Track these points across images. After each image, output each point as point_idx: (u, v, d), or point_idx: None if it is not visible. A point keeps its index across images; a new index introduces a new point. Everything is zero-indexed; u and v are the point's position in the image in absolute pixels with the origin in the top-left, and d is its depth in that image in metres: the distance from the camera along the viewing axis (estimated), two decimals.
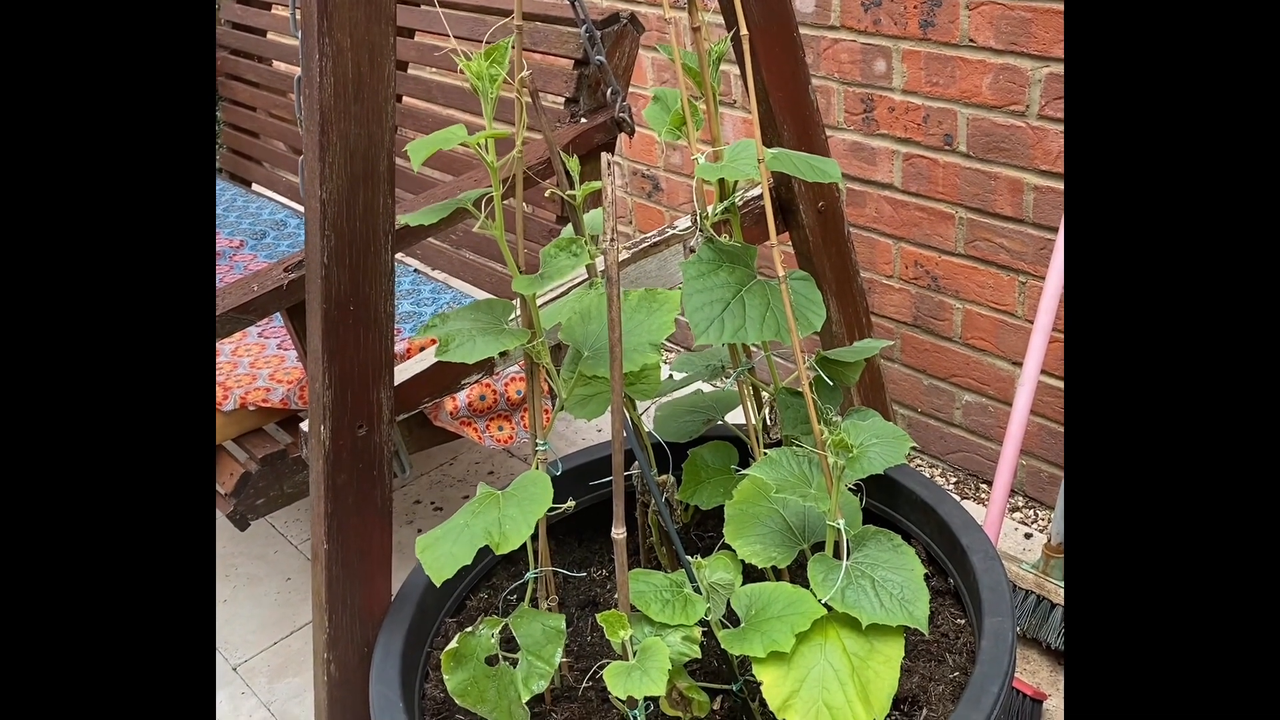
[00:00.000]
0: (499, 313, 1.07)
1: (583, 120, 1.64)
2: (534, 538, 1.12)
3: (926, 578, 1.22)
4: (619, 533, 0.95)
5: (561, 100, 1.68)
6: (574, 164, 1.16)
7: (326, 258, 1.11)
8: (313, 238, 1.11)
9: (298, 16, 1.45)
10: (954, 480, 2.15)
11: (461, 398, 1.57)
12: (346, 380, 1.16)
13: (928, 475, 2.17)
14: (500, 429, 1.66)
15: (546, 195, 1.23)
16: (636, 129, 1.73)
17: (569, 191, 1.16)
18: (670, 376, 1.42)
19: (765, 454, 1.10)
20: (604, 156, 0.86)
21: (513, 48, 0.99)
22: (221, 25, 2.67)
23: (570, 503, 1.14)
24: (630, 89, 1.97)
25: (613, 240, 0.88)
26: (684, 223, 1.49)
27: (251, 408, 1.51)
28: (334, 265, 1.11)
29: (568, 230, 1.25)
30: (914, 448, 2.21)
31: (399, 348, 1.63)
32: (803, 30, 1.96)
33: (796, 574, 1.16)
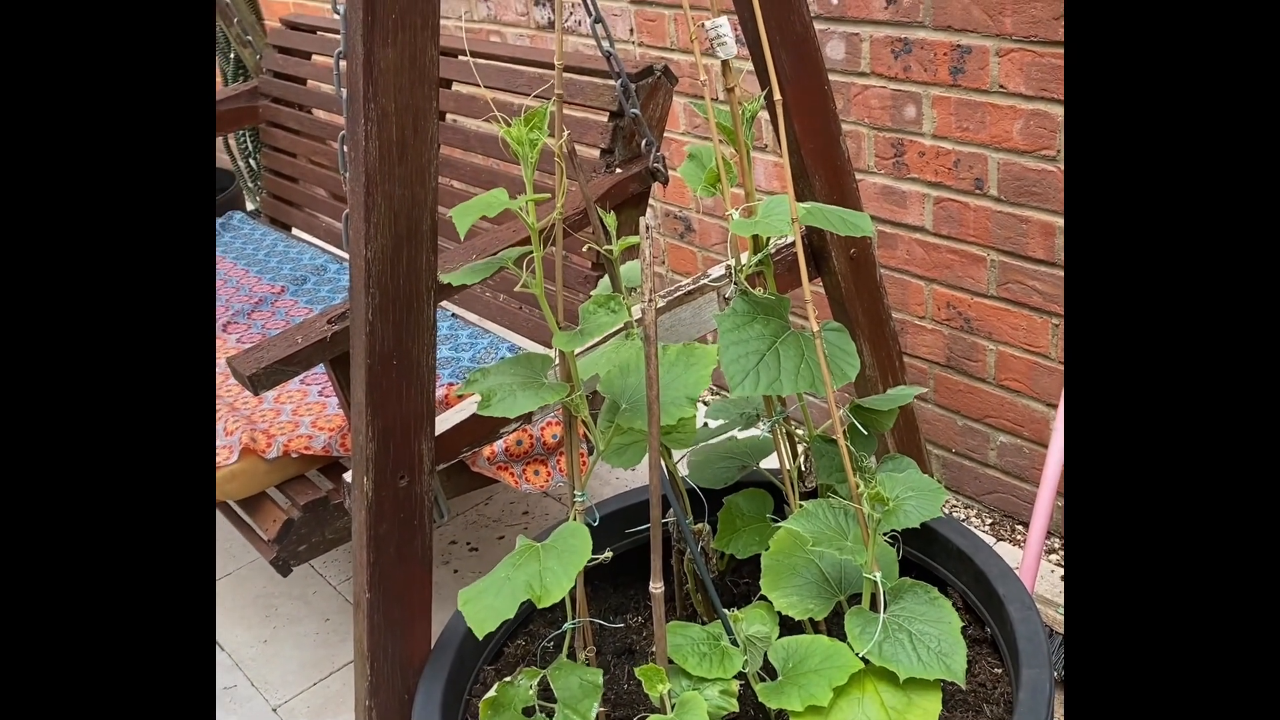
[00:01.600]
0: (538, 367, 1.10)
1: (618, 170, 1.67)
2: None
3: (963, 627, 1.22)
4: (657, 587, 0.96)
5: (597, 151, 1.72)
6: (610, 219, 1.19)
7: (371, 314, 1.14)
8: (357, 294, 1.14)
9: (342, 69, 1.49)
10: (989, 521, 2.14)
11: (499, 444, 1.59)
12: (389, 432, 1.19)
13: (963, 516, 2.16)
14: (536, 473, 1.68)
15: (584, 250, 1.26)
16: (671, 176, 1.76)
17: (605, 246, 1.19)
18: (705, 424, 1.43)
19: (801, 506, 1.11)
20: (641, 221, 0.89)
21: (553, 108, 1.02)
22: (263, 74, 2.74)
23: (608, 554, 1.15)
24: (664, 133, 2.00)
25: (650, 302, 0.90)
26: (718, 270, 1.51)
27: (294, 455, 1.54)
28: (378, 321, 1.14)
29: (605, 283, 1.27)
30: (949, 488, 2.21)
31: (438, 394, 1.66)
32: (833, 77, 1.99)
33: (833, 624, 1.16)
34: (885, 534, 1.11)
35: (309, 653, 2.04)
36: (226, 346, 1.93)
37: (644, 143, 1.65)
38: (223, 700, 1.95)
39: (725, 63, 1.13)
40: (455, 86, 2.17)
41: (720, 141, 1.15)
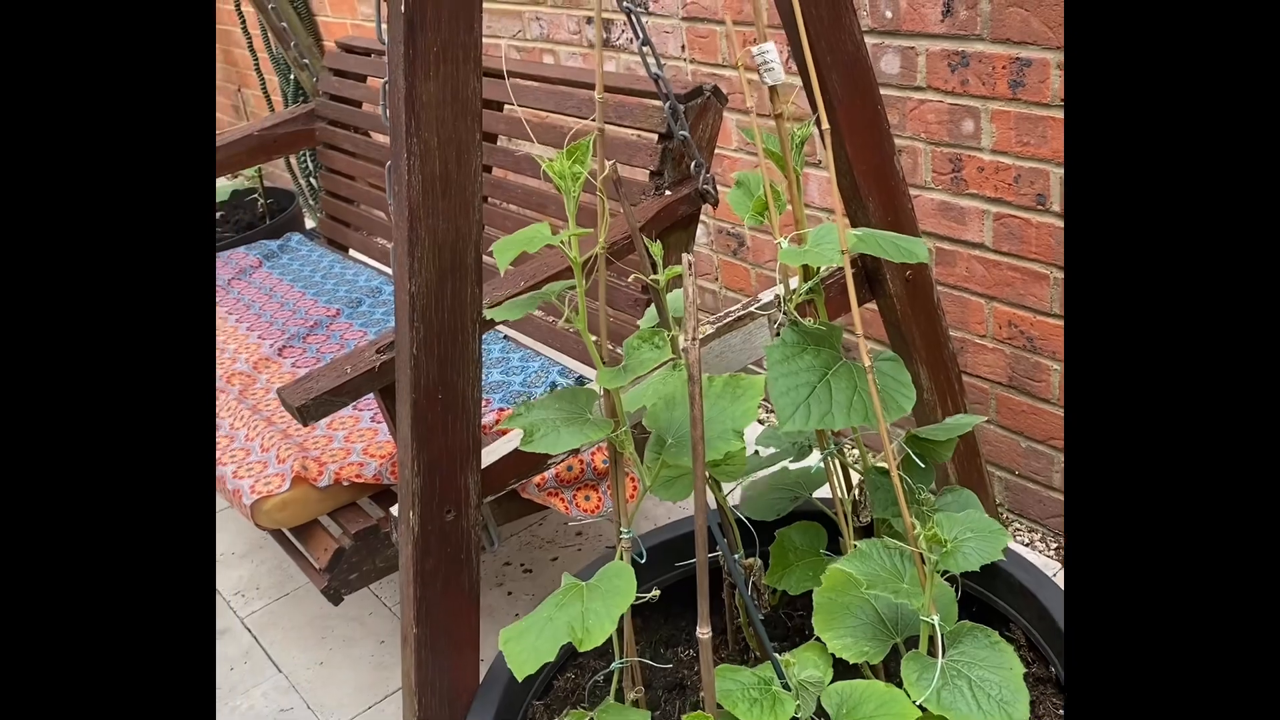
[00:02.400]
0: (583, 402, 1.08)
1: (667, 193, 1.65)
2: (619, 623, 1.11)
3: (1026, 664, 1.17)
4: (704, 633, 0.94)
5: (646, 173, 1.70)
6: (656, 249, 1.17)
7: (416, 348, 1.13)
8: (402, 328, 1.14)
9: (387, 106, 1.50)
10: (1054, 546, 2.07)
11: (549, 470, 1.58)
12: (434, 466, 1.18)
13: (1026, 541, 2.10)
14: (587, 498, 1.67)
15: (629, 281, 1.24)
16: (720, 194, 1.73)
17: (652, 276, 1.17)
18: (755, 452, 1.40)
19: (855, 546, 1.08)
20: (685, 257, 0.87)
21: (596, 137, 1.00)
22: (319, 96, 2.77)
23: (655, 592, 1.13)
24: (715, 151, 1.97)
25: (693, 341, 0.87)
26: (767, 295, 1.48)
27: (345, 483, 1.54)
28: (422, 355, 1.13)
29: (651, 313, 1.25)
30: (1012, 512, 2.15)
31: (488, 418, 1.65)
32: (887, 91, 1.95)
33: (889, 666, 1.12)
34: (944, 573, 1.07)
35: (365, 675, 2.04)
36: (282, 371, 1.94)
37: (693, 164, 1.63)
38: None
39: (773, 89, 1.10)
40: (506, 108, 2.17)
41: (768, 166, 1.12)
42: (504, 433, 1.67)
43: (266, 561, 2.41)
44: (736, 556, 1.30)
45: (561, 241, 0.97)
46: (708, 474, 1.19)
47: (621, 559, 1.10)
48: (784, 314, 1.15)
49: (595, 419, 1.05)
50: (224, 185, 3.58)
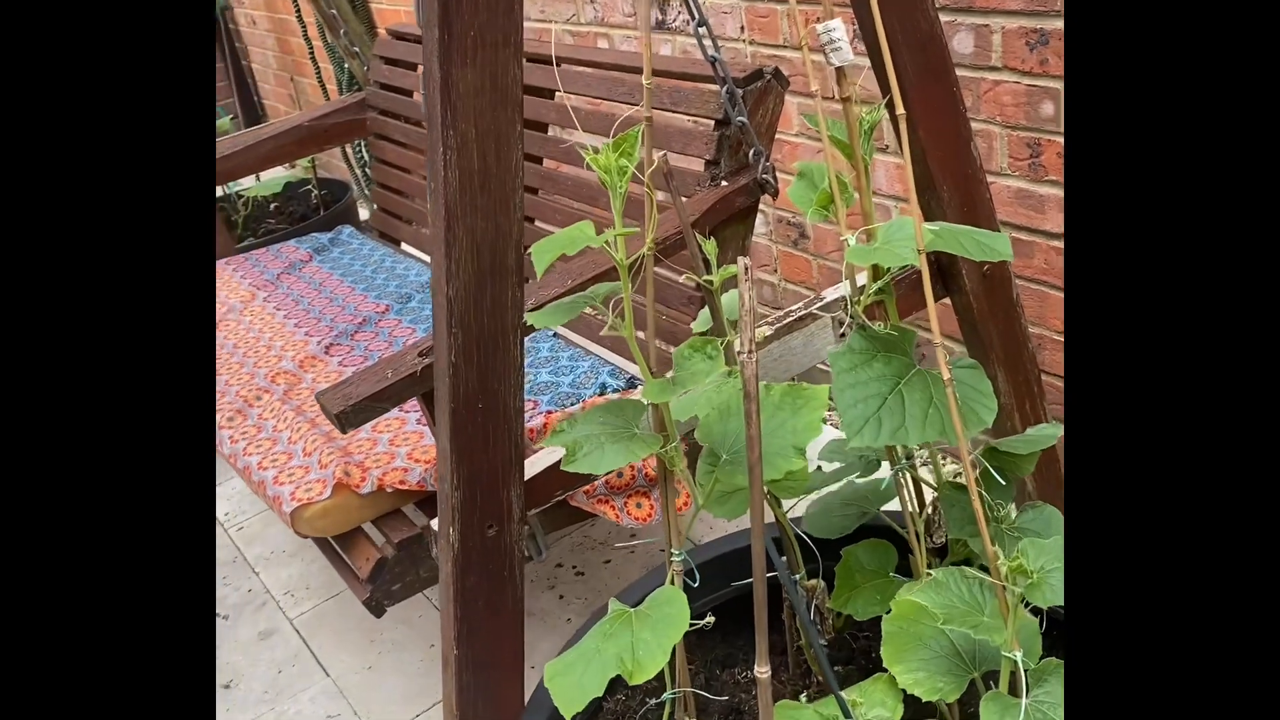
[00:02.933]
0: (630, 415, 1.00)
1: (723, 183, 1.56)
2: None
3: None
4: (763, 672, 0.85)
5: (702, 163, 1.61)
6: (710, 246, 1.08)
7: (454, 355, 1.06)
8: (440, 335, 1.06)
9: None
10: None
11: (598, 477, 1.50)
12: (475, 479, 1.11)
13: None
14: (639, 506, 1.59)
15: (681, 279, 1.15)
16: (781, 180, 1.64)
17: (705, 277, 1.08)
18: (819, 467, 1.31)
19: (929, 573, 0.98)
20: (740, 260, 0.78)
21: (644, 131, 0.92)
22: (370, 85, 2.72)
23: (709, 619, 1.05)
24: (776, 137, 1.87)
25: (750, 353, 0.79)
26: (832, 293, 1.39)
27: (389, 489, 1.48)
28: (461, 362, 1.06)
29: (705, 315, 1.16)
30: None
31: (535, 422, 1.58)
32: (960, 72, 1.83)
33: (966, 703, 1.03)
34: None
35: (413, 681, 1.99)
36: (329, 370, 1.89)
37: (752, 152, 1.54)
38: None
39: (840, 70, 1.00)
40: (557, 96, 2.09)
41: (834, 155, 1.02)
42: None
43: (317, 560, 2.38)
44: (797, 578, 1.21)
45: (606, 243, 0.89)
46: (766, 491, 1.10)
47: (673, 583, 1.02)
48: (850, 317, 1.05)
49: (643, 434, 0.96)
50: (278, 176, 3.56)
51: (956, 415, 0.96)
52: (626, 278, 0.92)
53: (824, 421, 1.02)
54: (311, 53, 3.87)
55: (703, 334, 1.20)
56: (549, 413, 1.60)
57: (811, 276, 2.41)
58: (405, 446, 1.57)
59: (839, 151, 1.05)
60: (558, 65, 2.04)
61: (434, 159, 1.01)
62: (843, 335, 1.36)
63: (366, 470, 1.51)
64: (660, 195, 1.59)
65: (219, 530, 2.54)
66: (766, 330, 1.32)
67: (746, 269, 0.78)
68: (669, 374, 0.95)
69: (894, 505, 1.26)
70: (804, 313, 1.35)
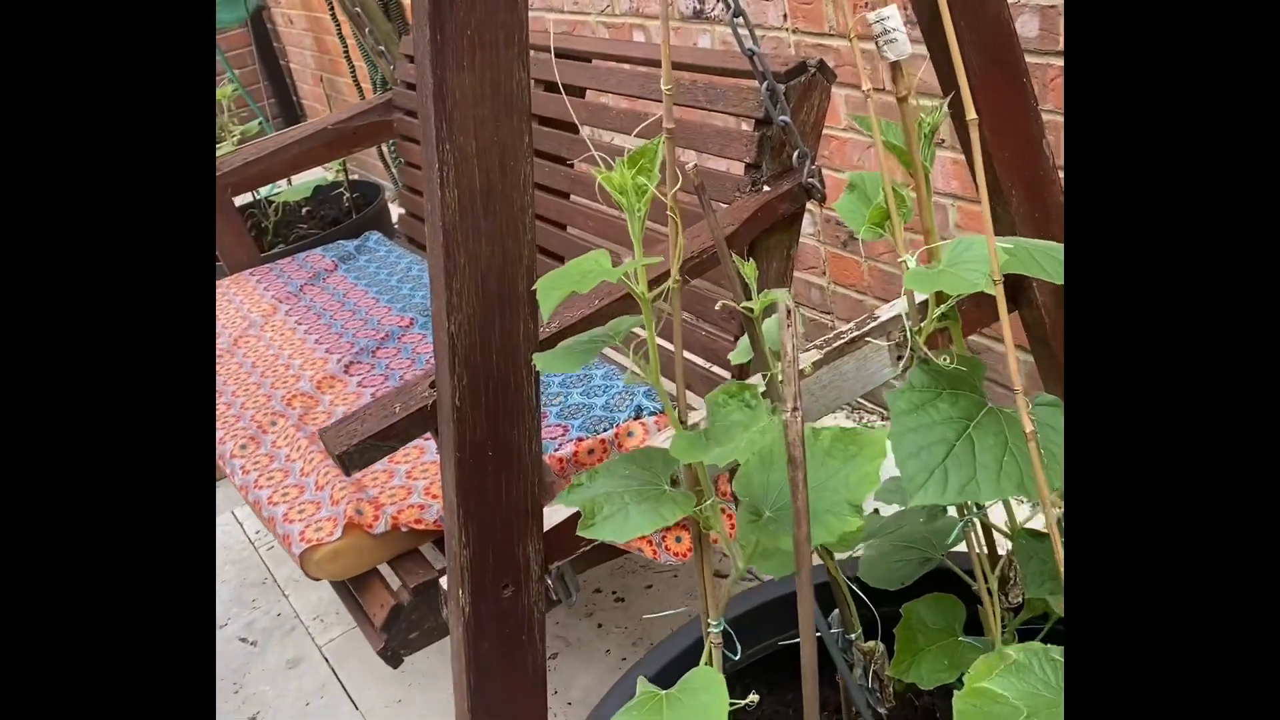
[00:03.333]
0: (659, 467, 0.87)
1: (765, 189, 1.42)
2: None
3: None
4: None
5: (741, 166, 1.47)
6: (750, 270, 0.95)
7: (459, 398, 0.94)
8: (442, 376, 0.94)
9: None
10: None
11: None
12: (487, 536, 0.99)
13: None
14: (678, 540, 1.46)
15: (716, 308, 1.02)
16: (829, 180, 1.49)
17: (744, 304, 0.95)
18: (875, 510, 1.17)
19: (1005, 651, 0.84)
20: (782, 296, 0.64)
21: (664, 142, 0.79)
22: (396, 85, 2.61)
23: (753, 697, 0.91)
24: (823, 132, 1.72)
25: (794, 410, 0.65)
26: (887, 312, 1.24)
27: (404, 529, 1.37)
28: (467, 406, 0.94)
29: (744, 344, 1.03)
30: None
31: (565, 450, 1.46)
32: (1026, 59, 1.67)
33: None
34: None
35: (446, 717, 1.89)
36: (347, 391, 1.79)
37: (795, 155, 1.39)
38: None
39: (896, 65, 0.86)
40: (589, 94, 1.96)
41: (892, 173, 0.88)
42: (584, 464, 1.47)
43: None
44: (852, 638, 1.07)
45: (627, 275, 0.76)
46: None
47: (710, 660, 0.89)
48: (911, 349, 0.91)
49: (674, 492, 0.83)
50: (310, 179, 3.48)
51: (1039, 468, 0.82)
52: (650, 316, 0.79)
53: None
54: (346, 52, 3.78)
55: (742, 366, 1.07)
56: (579, 440, 1.47)
57: (862, 279, 2.26)
58: (423, 480, 1.46)
59: (895, 158, 0.91)
60: (588, 61, 1.92)
61: (430, 177, 0.89)
62: (899, 357, 1.21)
63: (380, 507, 1.40)
64: (685, 195, 1.45)
65: (250, 550, 2.46)
66: (814, 355, 1.18)
67: (789, 311, 0.65)
68: (701, 422, 0.82)
69: (961, 544, 1.12)
70: (856, 334, 1.21)
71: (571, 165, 1.93)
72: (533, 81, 2.03)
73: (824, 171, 1.44)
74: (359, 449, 1.16)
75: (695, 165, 0.91)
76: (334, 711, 1.96)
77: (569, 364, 0.82)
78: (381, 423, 1.19)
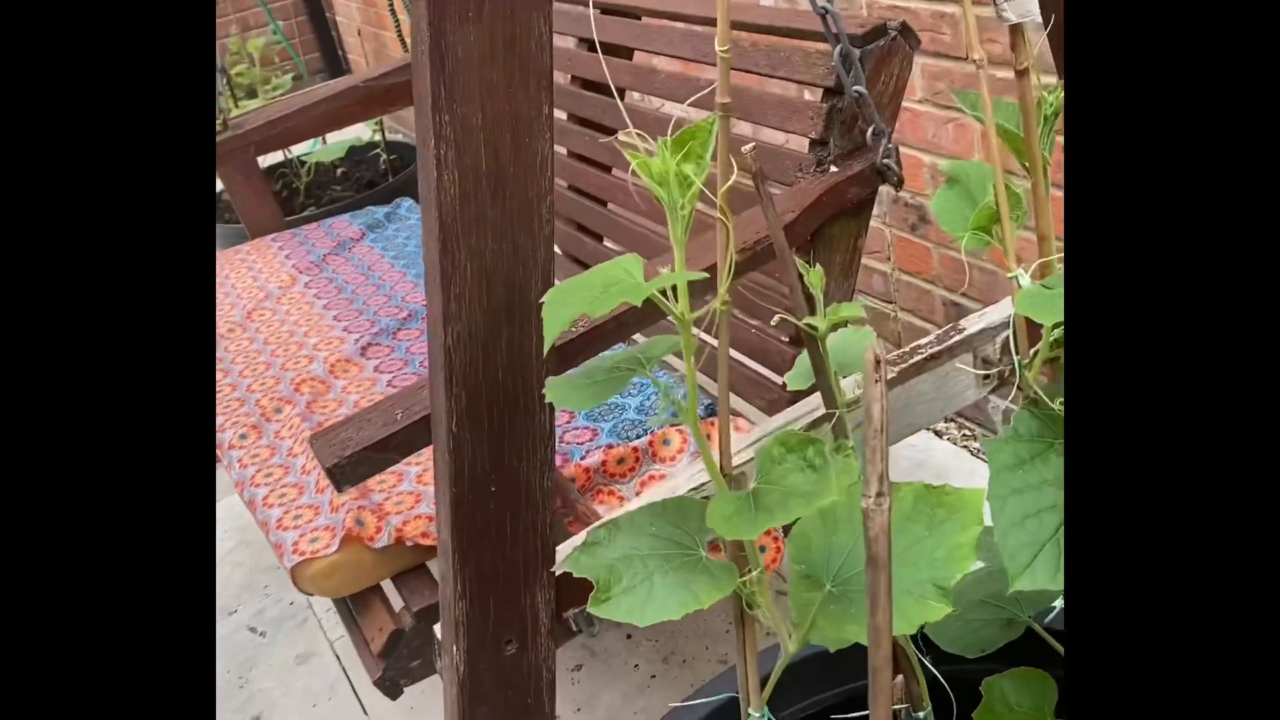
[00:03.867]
0: (694, 523, 0.70)
1: (832, 170, 1.23)
2: None
3: None
4: None
5: (806, 142, 1.28)
6: (816, 277, 0.77)
7: (455, 424, 0.77)
8: (437, 397, 0.78)
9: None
10: None
11: None
12: (487, 583, 0.83)
13: None
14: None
15: (773, 323, 0.84)
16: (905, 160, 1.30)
17: (807, 321, 0.77)
18: None
19: None
20: (868, 347, 0.47)
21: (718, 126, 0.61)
22: None
23: None
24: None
25: (878, 496, 0.48)
26: (973, 324, 1.06)
27: (409, 544, 1.22)
28: (465, 433, 0.78)
29: (803, 364, 0.85)
30: None
31: (593, 459, 1.29)
32: None
33: None
34: None
35: None
36: (362, 376, 1.64)
37: (870, 131, 1.21)
38: None
39: (1016, 30, 0.68)
40: (637, 56, 1.78)
41: (1005, 164, 0.70)
42: (613, 475, 1.31)
43: None
44: (921, 716, 0.90)
45: (662, 293, 0.58)
46: None
47: None
48: (1018, 387, 0.73)
49: (712, 563, 0.66)
50: (346, 138, 3.33)
51: None
52: (690, 344, 0.62)
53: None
54: (391, 5, 3.62)
55: (802, 391, 0.89)
56: (609, 447, 1.31)
57: (931, 268, 2.06)
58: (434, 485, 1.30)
59: (1008, 147, 0.73)
60: (637, 18, 1.73)
61: (424, 156, 0.72)
62: (986, 377, 1.03)
63: (385, 517, 1.24)
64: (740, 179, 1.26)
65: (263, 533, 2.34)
66: (888, 372, 1.00)
67: (877, 361, 0.47)
68: (749, 479, 0.65)
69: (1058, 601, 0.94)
70: (937, 349, 1.02)
71: (615, 134, 1.75)
72: (571, 40, 1.85)
73: (900, 152, 1.25)
74: (352, 462, 1.01)
75: (754, 147, 0.74)
76: (342, 716, 1.83)
77: (587, 396, 0.65)
78: (381, 430, 1.03)
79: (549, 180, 0.74)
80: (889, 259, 2.16)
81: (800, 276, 0.78)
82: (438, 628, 0.90)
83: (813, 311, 0.78)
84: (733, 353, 1.42)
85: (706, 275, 0.57)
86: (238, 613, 2.12)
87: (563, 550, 0.90)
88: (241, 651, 2.02)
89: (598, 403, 0.64)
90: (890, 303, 2.20)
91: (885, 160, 1.21)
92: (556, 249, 1.89)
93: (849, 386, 0.83)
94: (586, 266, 1.81)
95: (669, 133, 0.58)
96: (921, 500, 0.71)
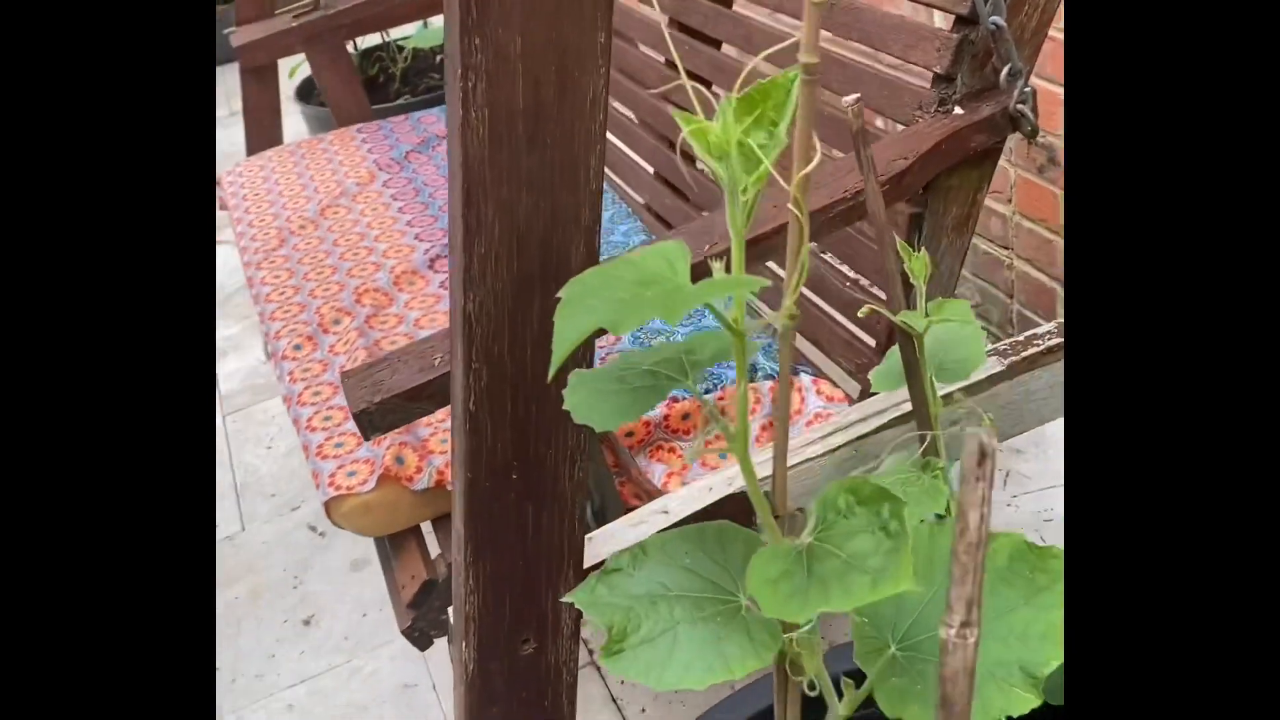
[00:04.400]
0: (735, 561, 0.58)
1: (957, 111, 1.06)
2: None
3: None
4: None
5: (929, 77, 1.11)
6: (920, 265, 0.63)
7: (474, 403, 0.66)
8: (455, 371, 0.67)
9: None
10: None
11: None
12: (504, 581, 0.73)
13: None
14: None
15: (861, 314, 0.70)
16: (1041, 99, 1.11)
17: (903, 317, 0.63)
18: None
19: None
20: (972, 443, 0.34)
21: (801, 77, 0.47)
22: None
23: None
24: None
25: (963, 627, 0.36)
26: None
27: (449, 487, 1.13)
28: (485, 415, 0.67)
29: (890, 364, 0.71)
30: None
31: (655, 411, 1.18)
32: None
33: None
34: None
35: None
36: (426, 291, 1.55)
37: (1006, 70, 1.03)
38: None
39: None
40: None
41: None
42: (676, 431, 1.19)
43: None
44: None
45: (718, 304, 0.45)
46: None
47: None
48: None
49: (753, 620, 0.55)
50: (430, 30, 3.18)
51: None
52: (745, 364, 0.49)
53: None
54: None
55: (880, 391, 0.75)
56: (674, 399, 1.19)
57: (1056, 216, 1.86)
58: (450, 466, 1.21)
59: None
60: None
61: (451, 88, 0.59)
62: None
63: (427, 456, 1.16)
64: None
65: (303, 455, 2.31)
66: (994, 365, 0.85)
67: (982, 454, 0.34)
68: (805, 528, 0.53)
69: None
70: (1057, 340, 0.87)
71: (718, 46, 1.58)
72: None
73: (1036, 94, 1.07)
74: (382, 410, 0.91)
75: (858, 100, 0.59)
76: (390, 630, 1.80)
77: (616, 409, 0.53)
78: (417, 376, 0.93)
79: (600, 125, 0.61)
80: (1009, 200, 1.95)
81: (901, 263, 0.64)
82: (452, 610, 0.81)
83: (911, 305, 0.64)
84: (822, 305, 1.28)
85: (768, 284, 0.44)
86: (300, 509, 2.10)
87: (599, 540, 0.80)
88: (299, 551, 2.01)
89: (628, 420, 0.52)
90: (1006, 248, 2.01)
91: (1020, 105, 1.04)
92: (645, 204, 1.75)
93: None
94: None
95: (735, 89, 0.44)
96: (1020, 560, 0.58)
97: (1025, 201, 1.91)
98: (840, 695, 0.60)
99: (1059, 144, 1.79)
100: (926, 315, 0.64)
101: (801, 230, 0.45)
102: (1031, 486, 1.70)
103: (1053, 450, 1.78)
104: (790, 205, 0.45)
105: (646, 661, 0.54)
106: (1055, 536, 1.56)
